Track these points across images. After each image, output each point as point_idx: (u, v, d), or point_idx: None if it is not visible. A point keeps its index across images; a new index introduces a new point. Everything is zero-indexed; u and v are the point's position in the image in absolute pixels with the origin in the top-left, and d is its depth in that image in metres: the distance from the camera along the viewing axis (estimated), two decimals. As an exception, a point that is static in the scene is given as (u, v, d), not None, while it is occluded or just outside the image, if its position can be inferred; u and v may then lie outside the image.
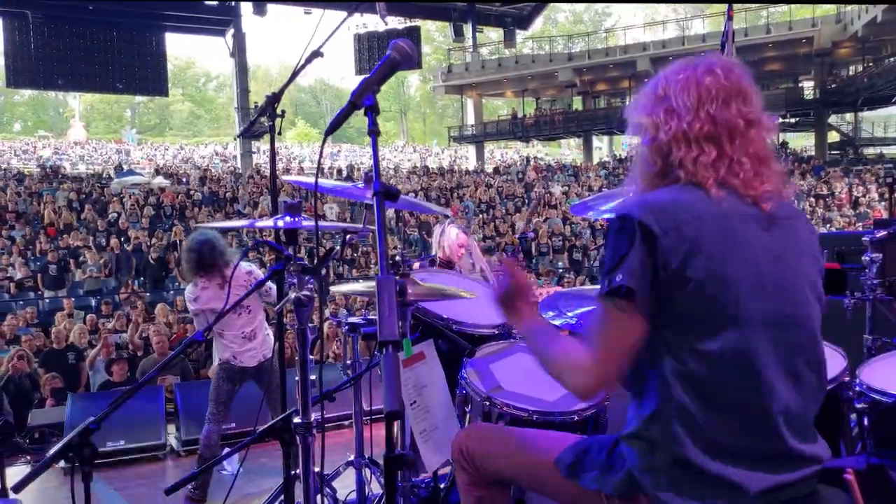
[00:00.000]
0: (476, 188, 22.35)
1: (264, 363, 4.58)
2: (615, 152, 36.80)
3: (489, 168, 30.89)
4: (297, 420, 1.84)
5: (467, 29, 31.88)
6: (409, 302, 2.09)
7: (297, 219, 1.87)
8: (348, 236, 2.01)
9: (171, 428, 6.24)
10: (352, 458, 2.73)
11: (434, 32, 50.11)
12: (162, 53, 26.01)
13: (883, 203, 19.04)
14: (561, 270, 15.15)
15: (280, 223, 2.01)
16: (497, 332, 2.37)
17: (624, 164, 29.25)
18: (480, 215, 19.12)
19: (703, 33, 31.78)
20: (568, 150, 47.58)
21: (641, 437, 1.45)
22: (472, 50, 33.20)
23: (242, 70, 26.87)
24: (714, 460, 1.38)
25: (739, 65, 1.54)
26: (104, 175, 24.38)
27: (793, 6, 30.32)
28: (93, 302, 12.43)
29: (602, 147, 39.99)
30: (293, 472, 2.00)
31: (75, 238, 14.61)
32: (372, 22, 26.67)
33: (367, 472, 2.68)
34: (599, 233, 17.54)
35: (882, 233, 2.61)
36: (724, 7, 32.93)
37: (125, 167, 27.84)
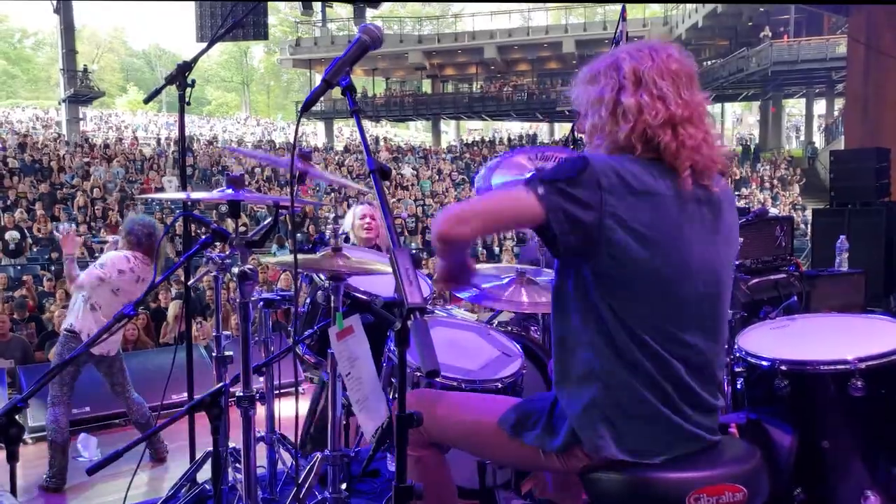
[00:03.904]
0: (326, 166, 22.00)
1: (105, 356, 4.52)
2: (462, 137, 37.70)
3: (339, 146, 30.49)
4: (239, 393, 1.82)
5: (316, 3, 31.07)
6: (343, 276, 2.12)
7: (240, 192, 1.83)
8: (280, 210, 1.99)
9: (12, 415, 5.69)
10: (262, 433, 2.71)
11: (280, 3, 48.23)
12: (-31, 4, 22.76)
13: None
14: (415, 251, 15.38)
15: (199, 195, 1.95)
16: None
17: (471, 148, 30.13)
18: (332, 194, 18.90)
19: (545, 25, 33.34)
20: (416, 132, 48.05)
21: (576, 391, 1.55)
22: (321, 25, 32.45)
23: (69, 29, 24.29)
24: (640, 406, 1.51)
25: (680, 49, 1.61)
26: None
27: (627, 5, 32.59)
28: None
29: (449, 131, 40.83)
30: (219, 449, 1.97)
31: None
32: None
33: (277, 447, 2.67)
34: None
35: (741, 219, 3.01)
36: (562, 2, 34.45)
37: (-80, 129, 24.36)
